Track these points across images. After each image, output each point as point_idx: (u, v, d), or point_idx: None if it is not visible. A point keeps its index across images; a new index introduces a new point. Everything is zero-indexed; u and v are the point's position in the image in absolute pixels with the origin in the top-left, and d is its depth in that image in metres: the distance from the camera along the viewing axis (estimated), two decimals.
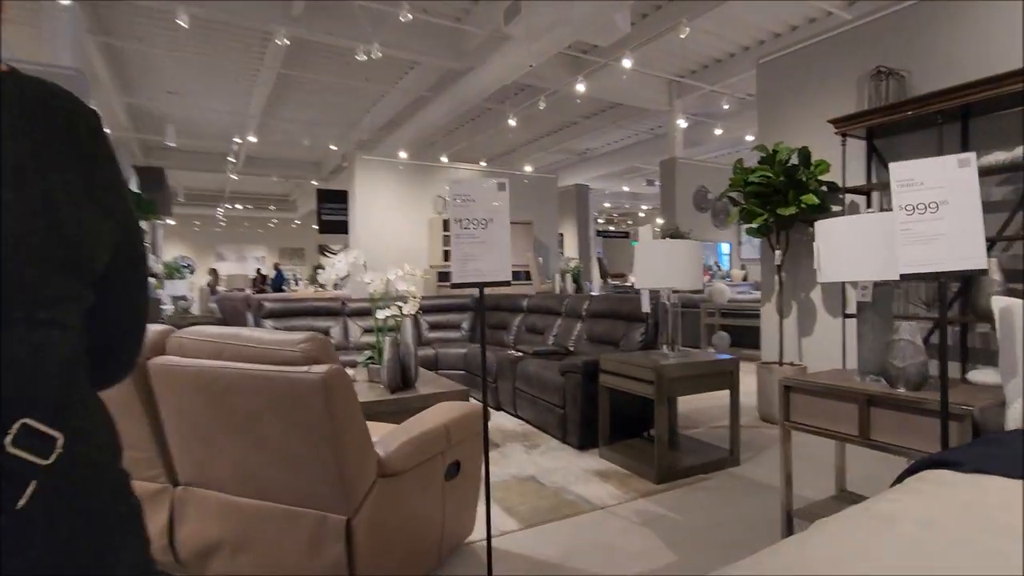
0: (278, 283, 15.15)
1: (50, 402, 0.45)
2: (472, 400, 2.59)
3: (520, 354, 3.90)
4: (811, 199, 3.35)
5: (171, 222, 17.36)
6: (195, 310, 7.67)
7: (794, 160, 3.52)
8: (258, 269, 16.43)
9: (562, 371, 3.29)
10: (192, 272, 17.67)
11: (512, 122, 7.86)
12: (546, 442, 3.38)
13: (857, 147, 3.38)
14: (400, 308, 3.19)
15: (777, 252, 3.72)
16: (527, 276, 8.36)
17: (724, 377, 2.85)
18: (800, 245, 3.77)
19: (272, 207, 17.36)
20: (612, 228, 23.50)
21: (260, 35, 6.71)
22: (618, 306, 3.78)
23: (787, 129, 3.98)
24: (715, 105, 9.49)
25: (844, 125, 3.20)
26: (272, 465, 1.47)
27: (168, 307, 8.49)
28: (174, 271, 15.57)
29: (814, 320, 3.80)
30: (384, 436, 1.67)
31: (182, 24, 4.74)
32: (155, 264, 12.62)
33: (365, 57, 5.58)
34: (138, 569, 0.52)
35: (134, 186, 9.12)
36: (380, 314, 3.14)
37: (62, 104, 0.50)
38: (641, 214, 20.49)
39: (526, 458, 3.11)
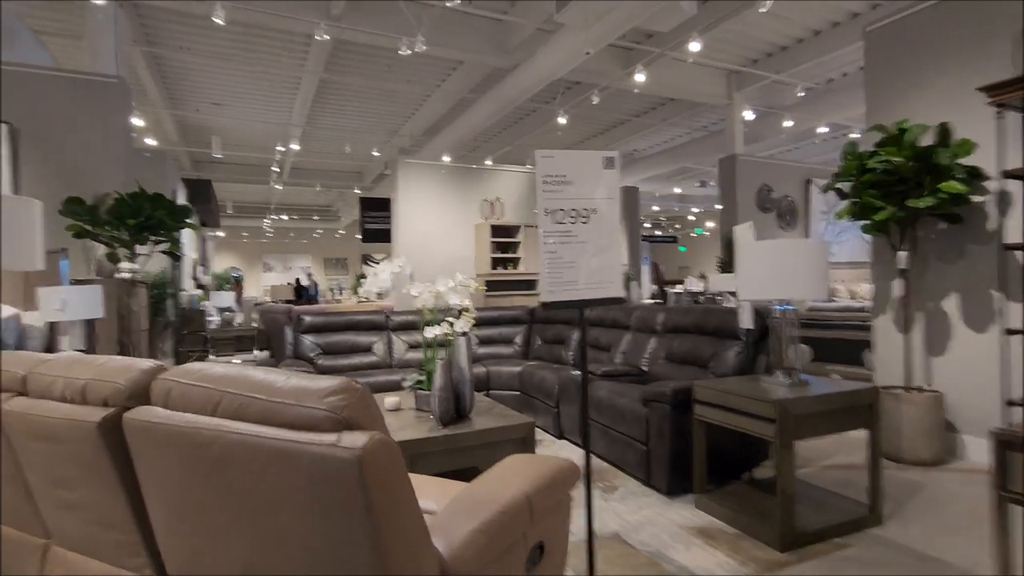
0: (310, 294, 15.05)
1: None
2: (539, 431, 2.08)
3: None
4: (954, 187, 2.71)
5: (220, 234, 17.72)
6: (239, 322, 7.50)
7: (927, 140, 2.88)
8: (297, 279, 16.43)
9: (645, 400, 2.75)
10: (241, 282, 17.94)
11: (562, 119, 7.38)
12: (625, 483, 2.84)
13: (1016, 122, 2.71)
14: (451, 325, 2.74)
15: (901, 254, 3.07)
16: None
17: (861, 413, 2.25)
18: (929, 244, 3.11)
19: (316, 217, 17.46)
20: (658, 232, 22.63)
21: (302, 38, 6.50)
22: (703, 319, 3.21)
23: (907, 105, 3.32)
24: (779, 97, 8.74)
25: (1002, 93, 2.54)
26: (290, 565, 1.02)
27: (214, 318, 8.39)
28: (223, 282, 15.83)
29: (949, 336, 3.12)
30: (444, 520, 1.19)
31: (219, 22, 4.48)
32: (203, 276, 12.75)
33: (409, 51, 5.22)
34: None
35: (182, 198, 9.12)
36: (429, 332, 2.69)
37: None
38: (691, 217, 19.60)
39: (603, 505, 2.58)
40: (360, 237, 10.81)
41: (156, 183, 6.44)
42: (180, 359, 7.77)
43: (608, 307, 4.25)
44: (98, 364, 1.27)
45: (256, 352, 7.33)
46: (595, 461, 3.19)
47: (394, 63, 7.49)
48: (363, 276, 19.95)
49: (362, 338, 4.37)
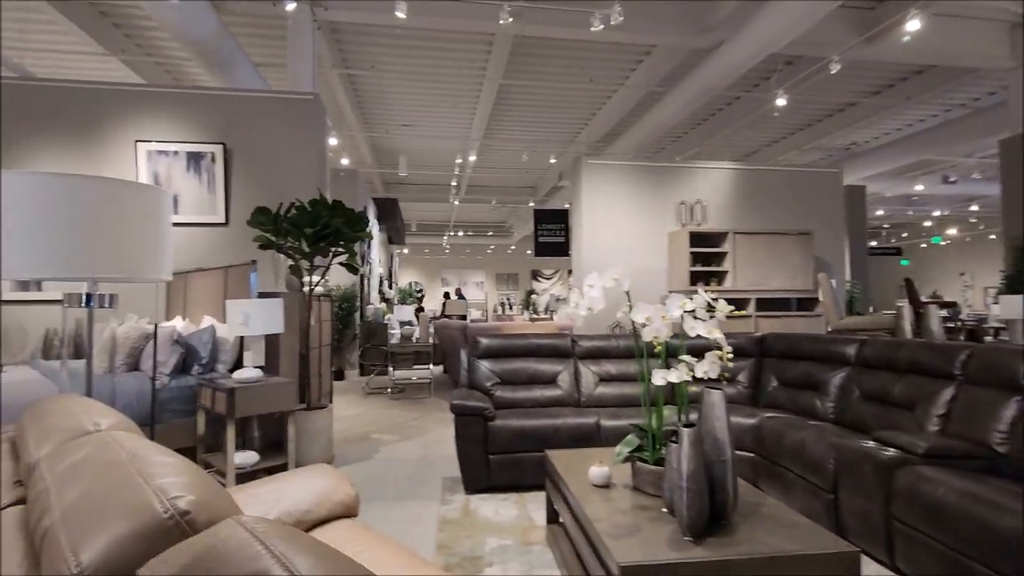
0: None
1: None
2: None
3: (891, 452, 2.17)
4: None
5: (405, 251, 19.05)
6: (417, 337, 7.44)
7: None
8: (446, 293, 16.66)
9: None
10: (422, 297, 18.99)
11: (781, 101, 6.00)
12: None
13: None
14: (690, 369, 1.82)
15: None
16: (800, 304, 6.26)
17: None
18: None
19: (490, 233, 17.79)
20: (873, 243, 18.76)
21: (483, 39, 6.20)
22: None
23: None
24: None
25: None
26: None
27: (396, 331, 8.53)
28: (407, 296, 16.78)
29: None
30: None
31: (400, 15, 4.21)
32: (389, 291, 13.54)
33: (601, 27, 4.47)
34: None
35: (372, 216, 9.59)
36: (659, 378, 1.80)
37: None
38: (927, 223, 15.81)
39: None
40: (531, 252, 10.40)
41: (349, 201, 6.62)
42: (363, 372, 7.98)
43: (893, 344, 2.91)
44: (106, 483, 0.63)
45: (431, 367, 7.16)
46: None
47: (574, 62, 6.88)
48: (532, 292, 19.84)
49: (544, 366, 3.65)
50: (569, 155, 9.79)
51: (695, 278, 6.03)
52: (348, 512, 1.60)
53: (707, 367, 1.83)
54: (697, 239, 6.16)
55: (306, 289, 3.64)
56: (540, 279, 20.39)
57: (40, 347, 4.38)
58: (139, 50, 6.27)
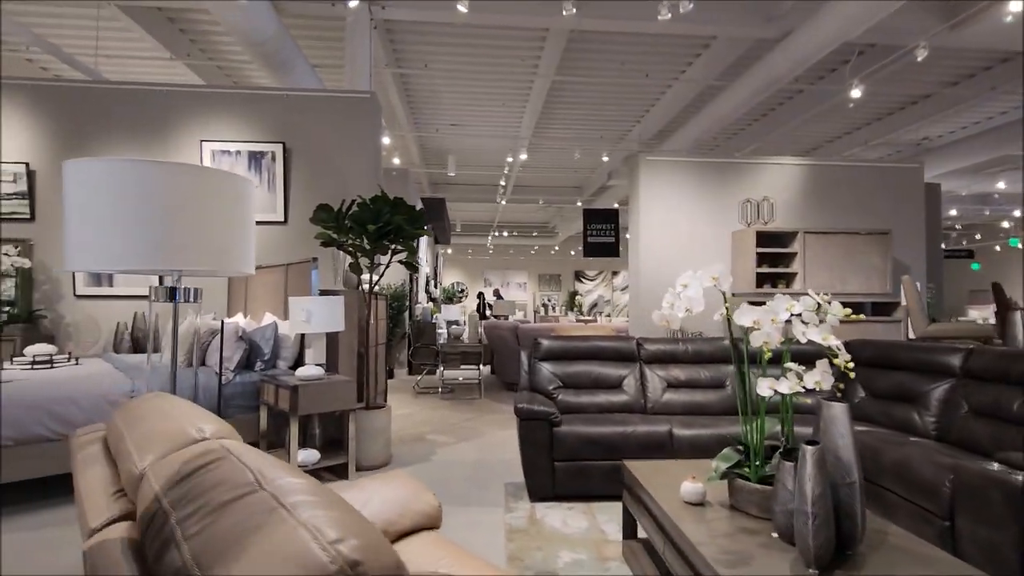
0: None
1: None
2: None
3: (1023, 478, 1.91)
4: None
5: (449, 250, 19.15)
6: (465, 337, 7.39)
7: None
8: (480, 294, 16.49)
9: None
10: (464, 297, 19.02)
11: (856, 92, 5.63)
12: None
13: None
14: (799, 378, 1.64)
15: None
16: (875, 309, 5.86)
17: None
18: None
19: (535, 233, 17.67)
20: (942, 245, 17.61)
21: (538, 34, 6.08)
22: None
23: None
24: None
25: None
26: None
27: (443, 331, 8.51)
28: (451, 296, 16.82)
29: None
30: None
31: (462, 9, 4.13)
32: (435, 290, 13.60)
33: (669, 16, 4.27)
34: None
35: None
36: (765, 388, 1.63)
37: None
38: (1005, 224, 14.73)
39: None
40: (575, 253, 10.20)
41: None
42: (413, 371, 7.99)
43: (1016, 352, 2.62)
44: (243, 514, 0.52)
45: (480, 367, 7.08)
46: None
47: (630, 56, 6.68)
48: (576, 293, 19.59)
49: (608, 370, 3.49)
50: (619, 152, 9.57)
51: (761, 280, 5.72)
52: (431, 523, 1.50)
53: (818, 376, 1.65)
54: (764, 239, 5.84)
55: (365, 287, 3.60)
56: (583, 280, 20.12)
57: (111, 340, 4.52)
58: (202, 55, 6.45)
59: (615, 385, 3.45)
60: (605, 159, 9.40)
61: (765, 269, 5.65)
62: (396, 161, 9.08)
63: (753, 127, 9.03)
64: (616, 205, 11.02)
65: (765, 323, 1.60)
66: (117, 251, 1.22)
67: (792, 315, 1.68)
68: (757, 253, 5.66)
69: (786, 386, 1.60)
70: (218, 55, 6.56)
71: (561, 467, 2.90)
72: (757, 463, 1.74)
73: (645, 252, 6.20)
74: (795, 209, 6.34)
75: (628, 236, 6.94)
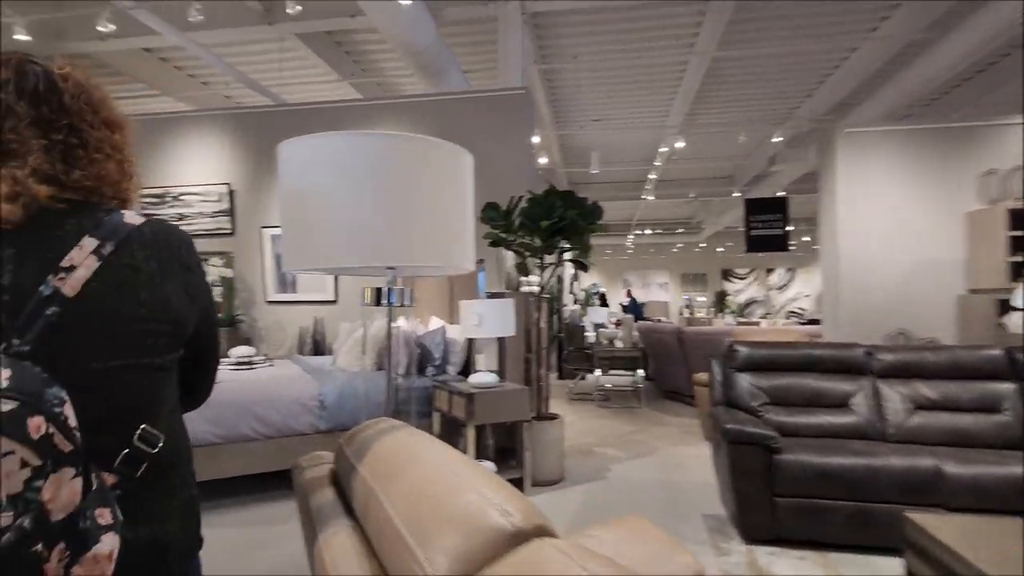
0: (636, 312, 13.73)
1: (159, 417, 0.69)
2: None
3: None
4: None
5: None
6: (619, 342, 6.95)
7: None
8: (602, 295, 15.33)
9: None
10: (604, 301, 18.52)
11: None
12: None
13: None
14: None
15: None
16: None
17: None
18: None
19: (680, 230, 16.63)
20: None
21: (695, 11, 5.50)
22: None
23: None
24: None
25: None
26: None
27: (591, 334, 8.17)
28: (589, 297, 16.42)
29: None
30: None
31: None
32: (577, 292, 13.31)
33: None
34: (187, 541, 0.74)
35: None
36: None
37: (171, 235, 0.74)
38: None
39: None
40: (726, 247, 9.22)
41: None
42: (564, 376, 7.74)
43: None
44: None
45: (640, 372, 6.58)
46: None
47: (806, 20, 5.77)
48: (725, 293, 18.02)
49: (828, 384, 2.87)
50: (785, 132, 8.47)
51: (1016, 270, 4.51)
52: None
53: None
54: (1018, 218, 4.60)
55: (535, 288, 3.37)
56: (732, 279, 18.47)
57: (296, 344, 4.86)
58: (364, 73, 6.85)
59: (839, 404, 2.81)
60: (777, 139, 8.36)
61: (1020, 257, 4.42)
62: (543, 160, 8.95)
63: (965, 87, 7.43)
64: (782, 193, 9.81)
65: None
66: (341, 248, 1.05)
67: None
68: (1008, 237, 4.45)
69: None
70: (378, 72, 6.93)
71: (784, 504, 2.38)
72: None
73: (845, 242, 5.24)
74: None
75: (821, 226, 5.97)
